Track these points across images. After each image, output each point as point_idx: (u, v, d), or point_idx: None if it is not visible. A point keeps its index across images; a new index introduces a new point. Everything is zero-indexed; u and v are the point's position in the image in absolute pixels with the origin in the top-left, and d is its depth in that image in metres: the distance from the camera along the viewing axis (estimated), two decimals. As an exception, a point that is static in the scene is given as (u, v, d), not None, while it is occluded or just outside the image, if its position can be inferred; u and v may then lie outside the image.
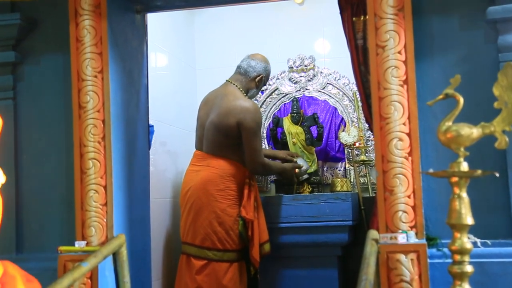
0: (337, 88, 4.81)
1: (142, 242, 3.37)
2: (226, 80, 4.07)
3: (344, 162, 4.75)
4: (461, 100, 2.06)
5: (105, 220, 2.98)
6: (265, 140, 4.89)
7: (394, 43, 2.73)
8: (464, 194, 2.00)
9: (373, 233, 2.68)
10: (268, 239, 3.88)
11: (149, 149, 3.58)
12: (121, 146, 3.13)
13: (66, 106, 3.14)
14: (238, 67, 4.06)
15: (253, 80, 4.02)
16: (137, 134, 3.34)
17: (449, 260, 2.60)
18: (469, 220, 1.99)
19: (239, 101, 3.86)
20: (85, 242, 2.97)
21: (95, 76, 3.01)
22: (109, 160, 3.00)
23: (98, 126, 3.00)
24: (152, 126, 3.74)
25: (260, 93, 4.94)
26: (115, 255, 2.94)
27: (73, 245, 2.97)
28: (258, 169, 3.91)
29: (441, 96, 2.08)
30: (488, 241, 2.69)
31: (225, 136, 3.85)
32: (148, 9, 3.47)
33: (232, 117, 3.81)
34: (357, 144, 4.47)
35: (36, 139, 3.23)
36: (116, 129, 3.07)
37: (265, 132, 4.89)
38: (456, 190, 2.01)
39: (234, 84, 4.00)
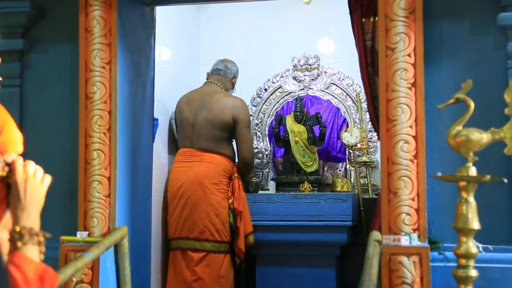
0: (341, 89, 4.82)
1: (143, 234, 3.37)
2: (207, 81, 4.35)
3: (345, 163, 4.75)
4: (472, 105, 2.07)
5: (107, 211, 2.97)
6: (267, 137, 4.89)
7: (404, 46, 2.74)
8: (471, 199, 2.01)
9: (375, 234, 2.69)
10: (252, 231, 4.03)
11: (152, 142, 3.58)
12: (126, 138, 3.12)
13: (72, 96, 3.13)
14: (216, 69, 4.36)
15: (230, 81, 4.39)
16: (142, 126, 3.34)
17: (451, 264, 2.62)
18: (475, 224, 2.00)
19: (229, 98, 4.21)
20: (87, 232, 2.97)
21: (103, 67, 3.01)
22: (114, 152, 2.99)
23: (104, 117, 3.00)
24: (157, 119, 3.75)
25: (263, 90, 4.95)
26: (117, 246, 2.94)
27: (75, 235, 2.97)
28: (250, 160, 4.21)
29: (452, 100, 2.09)
30: (490, 247, 2.70)
31: (221, 130, 4.11)
32: (157, 2, 3.47)
33: (227, 112, 4.11)
34: (359, 145, 4.47)
35: (41, 128, 3.21)
36: (122, 120, 3.06)
37: (267, 129, 4.89)
38: (464, 195, 2.01)
39: (216, 84, 4.31)
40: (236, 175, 4.07)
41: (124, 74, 3.10)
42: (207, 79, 4.39)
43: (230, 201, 4.00)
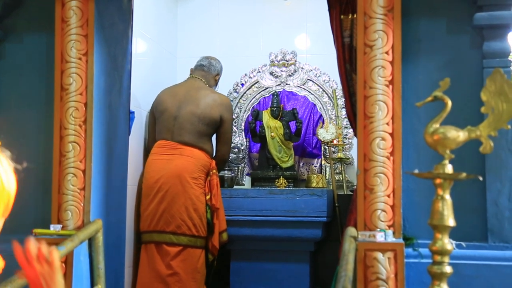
0: (317, 85, 4.83)
1: (117, 228, 3.34)
2: (191, 76, 4.33)
3: (320, 159, 4.78)
4: (449, 103, 2.09)
5: (82, 204, 2.94)
6: (243, 132, 4.88)
7: (382, 43, 2.75)
8: (447, 196, 2.02)
9: (351, 230, 2.70)
10: (226, 228, 4.03)
11: (128, 135, 3.54)
12: (102, 131, 3.09)
13: (47, 87, 3.09)
14: (200, 65, 4.36)
15: (214, 78, 4.37)
16: (118, 119, 3.31)
17: (425, 260, 2.66)
18: (451, 221, 2.01)
19: (216, 95, 4.21)
20: (61, 225, 2.93)
21: (80, 59, 2.97)
22: (89, 144, 2.96)
23: (80, 109, 2.96)
24: (133, 112, 3.71)
25: (240, 85, 4.95)
26: (91, 240, 2.92)
27: (49, 228, 2.93)
28: (227, 157, 4.31)
29: (430, 98, 2.10)
30: (463, 243, 2.73)
31: (207, 126, 4.09)
32: (135, -7, 3.43)
33: (215, 109, 4.11)
34: (335, 142, 4.49)
35: (15, 119, 3.16)
36: (98, 113, 3.03)
37: (243, 124, 4.89)
38: (440, 192, 2.03)
39: (200, 79, 4.30)
40: (214, 171, 4.05)
41: (100, 66, 3.07)
42: (190, 74, 4.37)
43: (208, 197, 3.97)
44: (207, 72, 4.33)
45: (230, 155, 4.51)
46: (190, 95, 4.14)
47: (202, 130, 4.08)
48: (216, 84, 4.42)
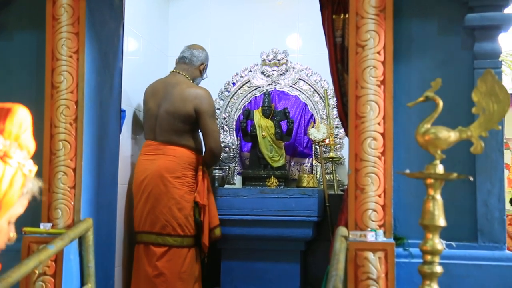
0: (309, 85, 4.84)
1: (108, 227, 3.33)
2: (172, 71, 4.22)
3: (311, 158, 4.78)
4: (441, 103, 2.09)
5: (72, 203, 2.93)
6: (234, 131, 4.88)
7: (374, 43, 2.75)
8: (438, 196, 2.03)
9: (342, 230, 2.70)
10: (219, 224, 3.99)
11: (119, 133, 3.53)
12: (92, 129, 3.08)
13: (38, 85, 3.07)
14: (182, 57, 4.22)
15: (198, 69, 4.22)
16: (109, 118, 3.29)
17: (415, 260, 2.66)
18: (441, 221, 2.02)
19: (192, 89, 4.05)
20: (51, 224, 2.92)
21: (70, 56, 2.96)
22: (80, 143, 2.95)
23: (70, 107, 2.95)
24: (124, 111, 3.70)
25: (231, 84, 4.94)
26: (81, 239, 2.91)
27: (38, 226, 2.92)
28: (218, 150, 4.05)
29: (421, 99, 2.10)
30: (453, 243, 2.74)
31: (183, 123, 3.99)
32: (127, -9, 3.42)
33: (188, 103, 3.98)
34: (327, 141, 4.50)
35: (5, 117, 3.14)
36: (88, 111, 3.01)
37: (234, 124, 4.88)
38: (431, 192, 2.03)
39: (181, 73, 4.16)
40: (200, 167, 3.99)
41: (92, 64, 3.05)
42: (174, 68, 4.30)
43: (196, 194, 3.95)
44: (189, 64, 4.18)
45: (221, 148, 4.27)
46: (167, 93, 4.05)
47: (180, 127, 3.99)
48: (202, 74, 4.26)
